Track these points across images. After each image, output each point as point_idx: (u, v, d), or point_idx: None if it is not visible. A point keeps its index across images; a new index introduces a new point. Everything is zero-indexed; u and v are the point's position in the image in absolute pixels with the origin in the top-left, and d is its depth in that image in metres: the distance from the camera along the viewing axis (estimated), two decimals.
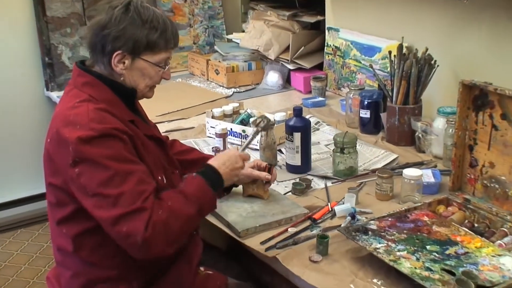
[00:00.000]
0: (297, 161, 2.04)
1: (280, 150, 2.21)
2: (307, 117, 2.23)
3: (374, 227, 1.58)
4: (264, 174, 1.81)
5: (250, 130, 2.28)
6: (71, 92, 1.56)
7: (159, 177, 1.58)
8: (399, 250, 1.48)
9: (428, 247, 1.50)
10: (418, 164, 2.05)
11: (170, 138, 1.95)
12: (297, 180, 1.97)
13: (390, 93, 2.27)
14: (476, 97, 1.72)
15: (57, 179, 1.51)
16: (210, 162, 1.66)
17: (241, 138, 2.31)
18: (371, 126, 2.39)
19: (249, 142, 1.86)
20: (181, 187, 1.55)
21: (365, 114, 2.38)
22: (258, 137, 1.86)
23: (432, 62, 2.19)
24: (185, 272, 1.65)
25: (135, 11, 1.53)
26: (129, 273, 1.56)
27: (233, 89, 3.07)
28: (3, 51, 3.18)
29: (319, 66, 3.03)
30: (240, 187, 1.87)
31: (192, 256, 1.67)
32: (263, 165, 1.83)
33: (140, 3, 1.55)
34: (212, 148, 2.18)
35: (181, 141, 2.01)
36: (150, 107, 1.88)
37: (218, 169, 1.63)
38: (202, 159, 1.85)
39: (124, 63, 1.55)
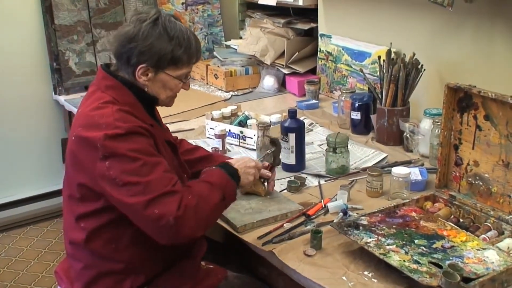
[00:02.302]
0: (292, 160, 2.03)
1: None
2: (301, 118, 2.23)
3: (365, 222, 1.58)
4: (266, 171, 1.80)
5: (248, 131, 2.28)
6: (95, 94, 1.55)
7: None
8: (388, 244, 1.48)
9: (416, 241, 1.50)
10: (406, 163, 2.05)
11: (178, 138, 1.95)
12: (292, 178, 1.96)
13: (380, 96, 2.27)
14: (461, 99, 1.71)
15: (83, 176, 1.50)
16: (226, 161, 1.66)
17: (239, 139, 2.31)
18: (362, 127, 2.39)
19: (265, 158, 1.85)
20: (203, 178, 1.56)
21: (356, 115, 2.38)
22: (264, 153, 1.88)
23: (419, 66, 2.19)
24: (189, 268, 1.65)
25: (162, 26, 1.51)
26: (137, 266, 1.56)
27: (231, 93, 3.06)
28: (13, 57, 3.17)
29: (313, 71, 3.02)
30: None
31: (197, 253, 1.67)
32: (265, 164, 1.83)
33: (168, 18, 1.53)
34: (212, 148, 2.18)
35: None
36: None
37: (234, 165, 1.63)
38: (208, 156, 1.86)
39: (147, 75, 1.54)
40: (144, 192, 1.40)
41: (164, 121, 2.58)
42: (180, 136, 2.31)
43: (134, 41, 1.50)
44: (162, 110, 1.75)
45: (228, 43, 3.40)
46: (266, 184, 1.84)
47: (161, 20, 1.52)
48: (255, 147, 2.19)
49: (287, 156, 2.03)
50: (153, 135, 1.51)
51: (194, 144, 2.01)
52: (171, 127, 2.50)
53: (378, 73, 2.30)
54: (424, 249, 1.47)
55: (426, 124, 2.13)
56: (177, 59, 1.53)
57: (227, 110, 2.46)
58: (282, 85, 3.08)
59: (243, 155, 2.21)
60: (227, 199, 1.56)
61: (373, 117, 2.32)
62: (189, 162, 1.79)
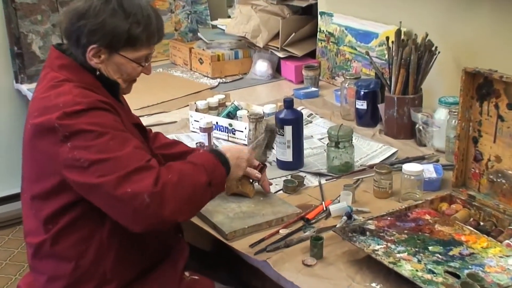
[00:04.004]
0: (288, 156, 2.03)
1: None
2: (298, 109, 2.23)
3: (372, 227, 1.58)
4: (255, 172, 1.80)
5: (238, 124, 2.28)
6: (48, 75, 1.54)
7: None
8: (399, 252, 1.48)
9: (430, 247, 1.50)
10: (419, 159, 2.05)
11: (153, 131, 1.94)
12: (289, 177, 1.96)
13: (388, 82, 2.27)
14: (480, 86, 1.71)
15: (46, 170, 1.49)
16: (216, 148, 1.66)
17: (227, 133, 2.31)
18: (368, 118, 2.39)
19: (258, 144, 1.85)
20: (189, 159, 1.55)
21: (362, 105, 2.38)
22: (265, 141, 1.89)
23: (433, 48, 2.19)
24: (170, 277, 1.64)
25: (117, 1, 1.50)
26: (109, 273, 1.55)
27: (218, 80, 3.06)
28: None
29: (311, 54, 3.02)
30: None
31: (178, 261, 1.67)
32: (255, 164, 1.82)
33: None
34: (196, 143, 2.17)
35: None
36: (128, 100, 1.87)
37: (225, 153, 1.62)
38: (188, 152, 1.85)
39: (99, 57, 1.53)
40: (114, 169, 1.39)
41: (140, 113, 2.59)
42: (159, 130, 2.30)
43: (84, 18, 1.49)
44: (136, 102, 1.74)
45: (214, 23, 3.39)
46: (255, 184, 1.84)
47: None
48: (246, 142, 2.19)
49: (283, 152, 2.03)
50: (119, 113, 1.50)
51: (176, 139, 2.00)
52: (148, 120, 2.50)
53: (386, 56, 2.30)
54: (440, 256, 1.47)
55: (441, 114, 2.13)
56: (134, 39, 1.52)
57: (213, 100, 2.46)
58: (276, 71, 3.08)
59: None
60: (214, 187, 1.54)
61: (381, 107, 2.32)
62: (166, 157, 1.78)
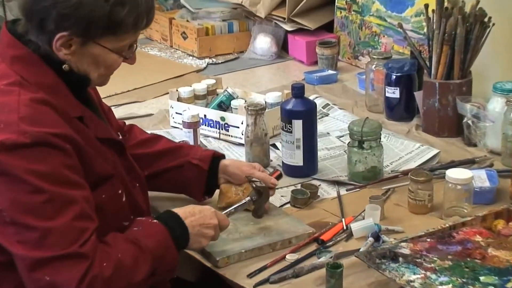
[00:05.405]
0: (297, 160, 2.04)
1: (273, 145, 2.21)
2: (311, 98, 2.23)
3: (406, 251, 1.58)
4: (270, 178, 1.82)
5: (232, 117, 2.27)
6: None
7: (119, 191, 1.58)
8: (441, 283, 1.48)
9: (481, 278, 1.50)
10: (468, 163, 2.05)
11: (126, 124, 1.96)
12: (298, 187, 1.97)
13: (428, 64, 2.27)
14: None
15: None
16: (174, 210, 1.64)
17: (218, 129, 2.31)
18: (401, 110, 2.40)
19: (238, 209, 1.81)
20: (134, 234, 1.54)
21: (393, 93, 2.38)
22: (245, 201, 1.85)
23: (486, 19, 2.19)
24: None
25: None
26: None
27: (207, 60, 3.06)
28: None
29: (328, 27, 3.03)
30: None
31: None
32: (271, 170, 1.88)
33: None
34: (179, 142, 2.17)
35: None
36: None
37: (184, 220, 1.61)
38: (174, 150, 1.86)
39: (70, 46, 1.51)
40: (38, 244, 1.39)
41: (107, 102, 2.55)
42: None
43: None
44: (101, 89, 1.73)
45: None
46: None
47: None
48: (242, 141, 2.19)
49: (291, 154, 2.03)
50: (77, 143, 1.48)
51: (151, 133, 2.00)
52: (118, 112, 2.50)
53: (425, 30, 2.30)
54: None
55: (496, 105, 2.14)
56: (116, 25, 1.50)
57: (201, 87, 2.46)
58: (282, 49, 3.09)
59: (227, 154, 2.22)
60: (158, 275, 1.55)
61: (418, 95, 2.33)
62: (144, 158, 1.78)
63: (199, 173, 1.86)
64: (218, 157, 1.90)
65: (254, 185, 1.79)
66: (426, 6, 2.28)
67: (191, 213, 1.64)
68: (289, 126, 2.01)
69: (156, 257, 1.52)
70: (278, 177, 1.87)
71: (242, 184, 1.85)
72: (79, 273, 1.39)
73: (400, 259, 1.56)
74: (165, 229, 1.57)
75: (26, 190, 1.40)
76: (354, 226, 1.75)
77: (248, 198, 1.79)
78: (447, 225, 1.69)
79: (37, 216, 1.40)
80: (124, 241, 1.51)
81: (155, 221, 1.58)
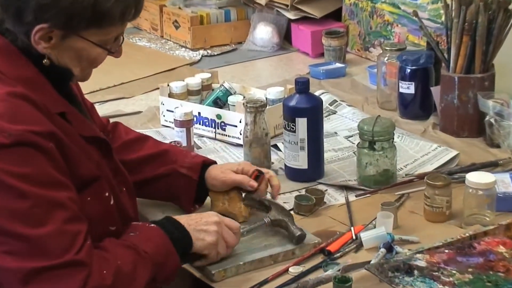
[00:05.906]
0: (302, 162, 2.04)
1: (275, 146, 2.21)
2: (316, 93, 2.23)
3: (422, 263, 1.58)
4: (248, 180, 1.81)
5: (230, 115, 2.27)
6: None
7: (106, 194, 1.59)
8: None
9: None
10: (490, 166, 2.06)
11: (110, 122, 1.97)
12: (303, 192, 1.97)
13: (446, 56, 2.27)
14: None
15: None
16: (175, 216, 1.67)
17: (214, 128, 2.30)
18: (417, 107, 2.41)
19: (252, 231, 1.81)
20: (132, 239, 1.55)
21: (407, 88, 2.39)
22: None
23: (510, 6, 2.19)
24: None
25: None
26: None
27: (201, 52, 3.07)
28: None
29: (335, 15, 3.03)
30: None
31: None
32: (250, 171, 1.83)
33: None
34: (170, 143, 2.17)
35: None
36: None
37: (180, 220, 1.63)
38: (162, 153, 1.87)
39: (50, 39, 1.51)
40: (30, 253, 1.39)
41: (91, 98, 2.57)
42: None
43: None
44: (85, 84, 1.73)
45: None
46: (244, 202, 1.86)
47: None
48: (241, 142, 2.18)
49: (294, 156, 2.03)
50: (59, 140, 1.48)
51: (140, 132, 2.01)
52: (103, 109, 2.52)
53: (443, 18, 2.30)
54: None
55: None
56: (102, 16, 1.50)
57: (195, 81, 2.46)
58: (285, 39, 3.10)
59: (224, 156, 2.21)
60: (159, 282, 1.56)
61: (435, 91, 2.33)
62: (128, 164, 1.78)
63: (189, 183, 1.87)
64: (209, 164, 1.90)
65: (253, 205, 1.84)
66: None
67: (187, 216, 1.68)
68: (292, 125, 2.01)
69: (157, 264, 1.54)
70: (257, 178, 1.85)
71: (229, 192, 1.84)
72: (78, 283, 1.40)
73: (415, 272, 1.56)
74: (163, 233, 1.58)
75: (10, 196, 1.40)
76: (364, 236, 1.75)
77: (263, 221, 1.79)
78: (467, 234, 1.69)
79: (25, 223, 1.39)
80: (122, 247, 1.53)
81: (152, 225, 1.60)
